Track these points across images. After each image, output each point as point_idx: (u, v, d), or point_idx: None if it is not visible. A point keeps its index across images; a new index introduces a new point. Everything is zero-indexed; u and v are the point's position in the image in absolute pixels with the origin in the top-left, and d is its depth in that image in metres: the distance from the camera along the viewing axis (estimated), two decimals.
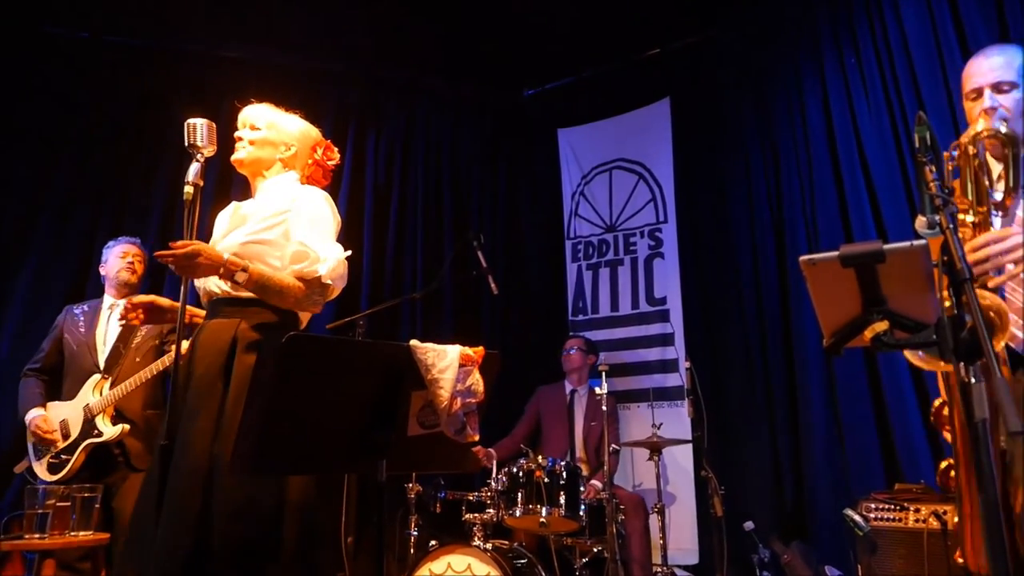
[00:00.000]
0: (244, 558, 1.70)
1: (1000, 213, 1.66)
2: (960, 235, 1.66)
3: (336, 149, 2.26)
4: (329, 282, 1.91)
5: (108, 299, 3.22)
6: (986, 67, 1.82)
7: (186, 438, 1.79)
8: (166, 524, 1.70)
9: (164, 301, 2.13)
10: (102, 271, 3.28)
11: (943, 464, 1.83)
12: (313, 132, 2.22)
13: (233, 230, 2.02)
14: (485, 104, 5.52)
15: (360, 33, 4.73)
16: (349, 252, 2.00)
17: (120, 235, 3.41)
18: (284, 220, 1.97)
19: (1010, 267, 1.58)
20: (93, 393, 2.95)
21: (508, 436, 4.28)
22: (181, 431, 1.80)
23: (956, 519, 1.70)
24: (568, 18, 4.69)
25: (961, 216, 1.66)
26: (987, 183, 1.66)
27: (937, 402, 1.83)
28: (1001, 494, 1.62)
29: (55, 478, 2.86)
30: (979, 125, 1.70)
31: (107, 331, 3.11)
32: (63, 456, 2.89)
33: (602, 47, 5.07)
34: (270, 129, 2.13)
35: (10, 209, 4.21)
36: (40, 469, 2.92)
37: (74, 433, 2.91)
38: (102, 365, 3.03)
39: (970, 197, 1.67)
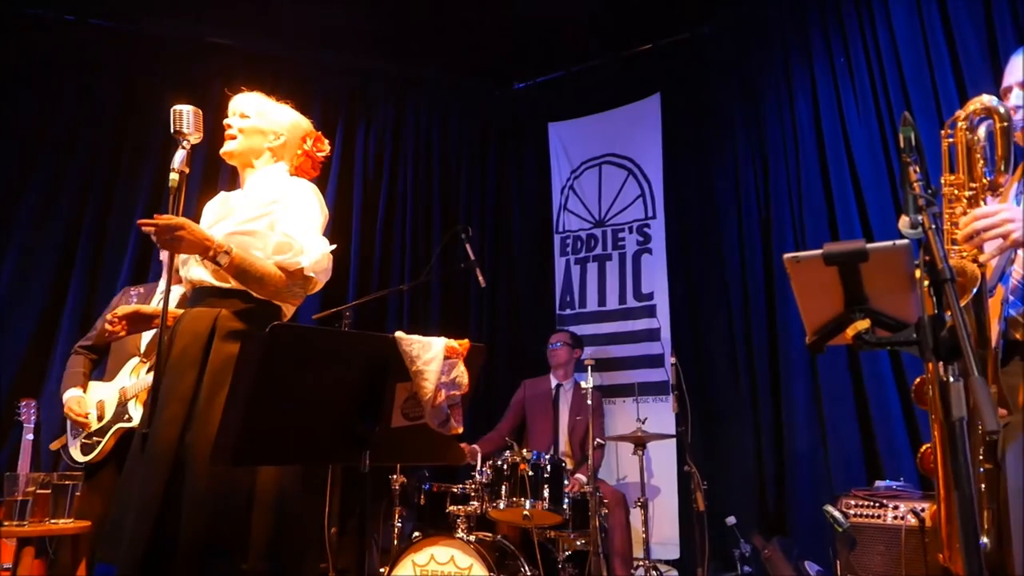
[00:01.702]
0: (210, 549, 1.68)
1: (992, 192, 1.68)
2: (955, 210, 1.68)
3: (326, 140, 2.24)
4: (311, 275, 1.90)
5: (163, 284, 3.15)
6: (1018, 65, 1.85)
7: (155, 425, 1.77)
8: (131, 512, 1.69)
9: (147, 309, 2.11)
10: (162, 257, 3.22)
11: (923, 447, 1.85)
12: (304, 122, 2.20)
13: (220, 220, 2.00)
14: (475, 97, 5.50)
15: (350, 23, 4.69)
16: (334, 246, 1.99)
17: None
18: (271, 211, 1.95)
19: (997, 243, 1.59)
20: (130, 376, 2.90)
21: (494, 430, 4.29)
22: (155, 420, 1.78)
23: (934, 515, 1.73)
24: (559, 12, 4.68)
25: (956, 193, 1.68)
26: (980, 160, 1.68)
27: (918, 379, 1.85)
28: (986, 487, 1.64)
29: (86, 459, 2.81)
30: (974, 102, 1.71)
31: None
32: (95, 438, 2.84)
33: (593, 42, 5.07)
34: (259, 117, 2.10)
35: None
36: (75, 450, 2.87)
37: (108, 415, 2.86)
38: (143, 349, 2.96)
39: (963, 175, 1.68)
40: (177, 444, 1.75)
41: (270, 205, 1.96)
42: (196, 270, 1.95)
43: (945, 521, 1.61)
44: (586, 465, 3.96)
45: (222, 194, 2.18)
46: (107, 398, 2.90)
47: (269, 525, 1.76)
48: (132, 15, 4.52)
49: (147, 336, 2.98)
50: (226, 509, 1.72)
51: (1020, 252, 1.67)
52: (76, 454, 2.87)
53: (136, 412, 2.85)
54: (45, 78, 4.36)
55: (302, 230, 1.92)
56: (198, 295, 1.96)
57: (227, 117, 2.12)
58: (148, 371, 2.89)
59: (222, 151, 2.09)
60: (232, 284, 1.90)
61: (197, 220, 2.12)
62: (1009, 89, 1.85)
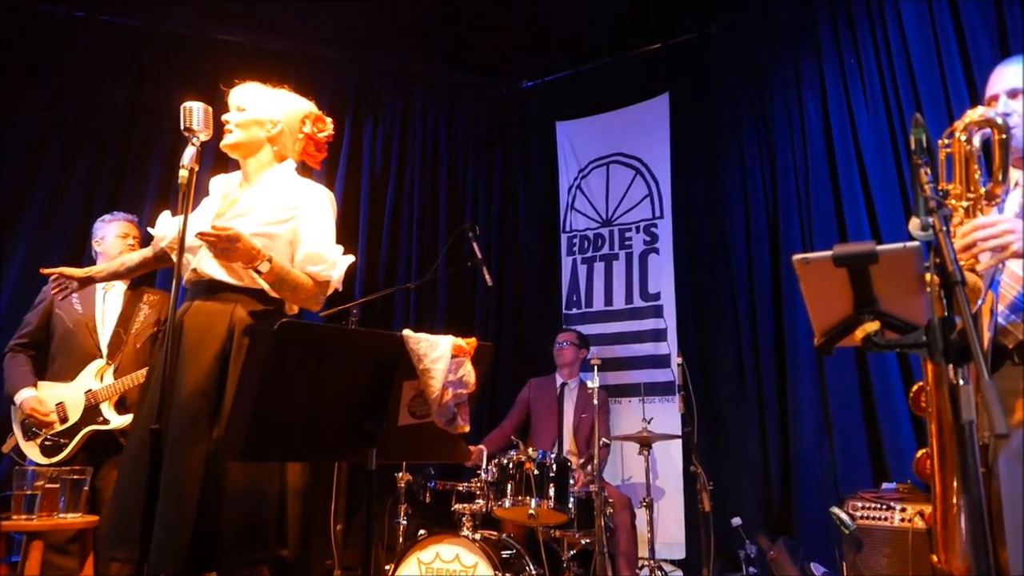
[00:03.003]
0: (252, 541, 1.72)
1: (989, 202, 1.68)
2: (952, 220, 1.68)
3: (328, 120, 2.21)
4: (338, 287, 2.01)
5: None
6: (1004, 74, 1.86)
7: (183, 423, 1.78)
8: (167, 510, 1.70)
9: (70, 270, 2.20)
10: (97, 248, 3.17)
11: (919, 453, 1.85)
12: (302, 105, 2.18)
13: (238, 217, 1.99)
14: (483, 95, 5.50)
15: (358, 20, 4.70)
16: (352, 258, 2.06)
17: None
18: (292, 218, 1.98)
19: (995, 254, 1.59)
20: (96, 378, 2.91)
21: (498, 428, 4.29)
22: (176, 416, 1.78)
23: (930, 518, 1.74)
24: (569, 10, 4.67)
25: (953, 203, 1.68)
26: (977, 170, 1.68)
27: (916, 387, 1.86)
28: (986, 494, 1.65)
29: (51, 461, 2.82)
30: (971, 113, 1.71)
31: (104, 312, 3.06)
32: (61, 440, 2.85)
33: (602, 41, 5.06)
34: (254, 108, 2.11)
35: (2, 189, 4.17)
36: (31, 450, 2.86)
37: (73, 417, 2.86)
38: (104, 350, 2.97)
39: (959, 185, 1.68)
40: (207, 440, 1.77)
41: (290, 211, 1.99)
42: (208, 264, 1.95)
43: (940, 525, 1.61)
44: (592, 464, 3.96)
45: (224, 180, 2.18)
46: (68, 400, 2.88)
47: (299, 513, 1.81)
48: (141, 11, 4.54)
49: (105, 335, 3.00)
50: (265, 500, 1.76)
51: (1014, 264, 1.66)
52: (35, 455, 2.84)
53: (112, 415, 2.86)
54: (54, 74, 4.37)
55: (329, 243, 2.00)
56: (206, 288, 1.96)
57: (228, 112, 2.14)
58: (116, 373, 2.90)
59: (221, 145, 2.11)
60: (245, 282, 1.93)
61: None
62: (995, 97, 1.86)
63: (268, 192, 2.06)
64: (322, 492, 3.47)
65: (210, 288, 1.95)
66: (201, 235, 1.81)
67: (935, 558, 1.68)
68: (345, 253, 2.07)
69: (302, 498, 1.83)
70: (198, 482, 1.73)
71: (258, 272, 1.86)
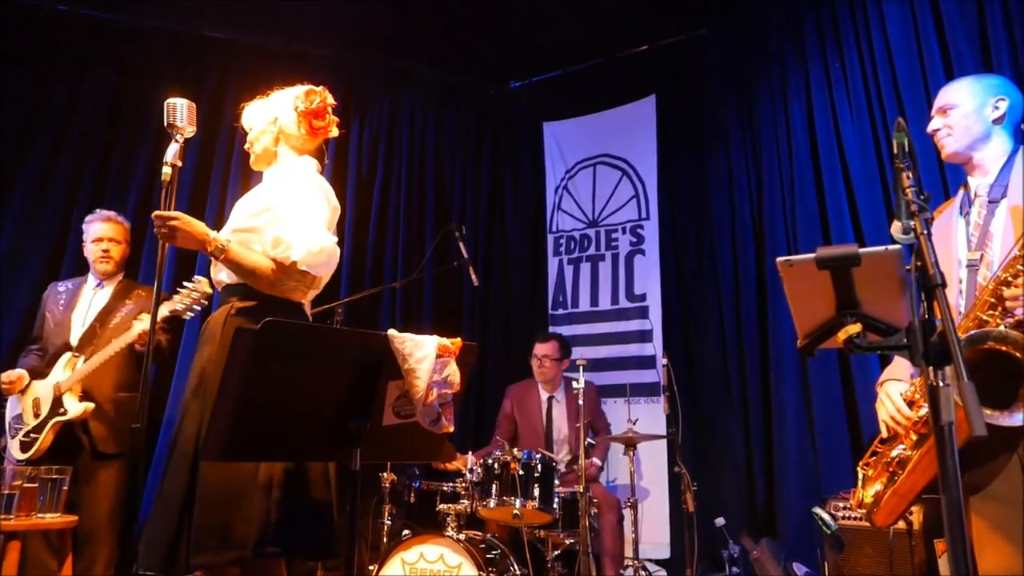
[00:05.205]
0: (219, 539, 1.71)
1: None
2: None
3: (320, 88, 2.15)
4: (304, 268, 1.88)
5: (92, 279, 3.17)
6: (940, 95, 2.01)
7: (180, 423, 1.85)
8: (157, 508, 1.77)
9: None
10: (85, 251, 3.21)
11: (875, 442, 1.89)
12: (289, 91, 2.16)
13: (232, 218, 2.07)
14: (471, 95, 5.49)
15: (346, 18, 4.68)
16: (334, 239, 1.97)
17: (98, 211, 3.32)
18: (272, 207, 1.97)
19: None
20: (66, 370, 2.91)
21: (491, 444, 4.13)
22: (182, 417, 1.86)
23: (878, 488, 1.78)
24: (557, 11, 4.67)
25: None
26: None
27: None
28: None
29: (24, 456, 2.82)
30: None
31: (87, 311, 3.06)
32: (32, 435, 2.85)
33: (590, 42, 5.07)
34: (256, 122, 2.16)
35: None
36: (13, 447, 2.87)
37: (44, 411, 2.87)
38: (74, 343, 2.98)
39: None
40: (196, 439, 1.79)
41: (272, 200, 1.98)
42: (217, 270, 2.01)
43: (895, 490, 1.75)
44: (597, 448, 4.02)
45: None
46: (42, 395, 2.90)
47: (261, 511, 1.76)
48: (125, 6, 4.49)
49: (76, 328, 3.02)
50: (232, 499, 1.73)
51: None
52: (16, 451, 2.86)
53: (71, 404, 2.85)
54: (37, 69, 4.32)
55: (298, 223, 1.91)
56: (223, 295, 2.02)
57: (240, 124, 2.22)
58: (85, 362, 2.89)
59: (251, 164, 2.21)
60: (234, 279, 1.96)
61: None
62: (931, 117, 2.01)
63: (260, 188, 2.09)
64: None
65: (224, 293, 2.01)
66: (153, 215, 1.86)
67: (855, 500, 1.84)
68: None
69: (280, 495, 1.78)
70: (185, 482, 1.75)
71: (215, 258, 1.89)
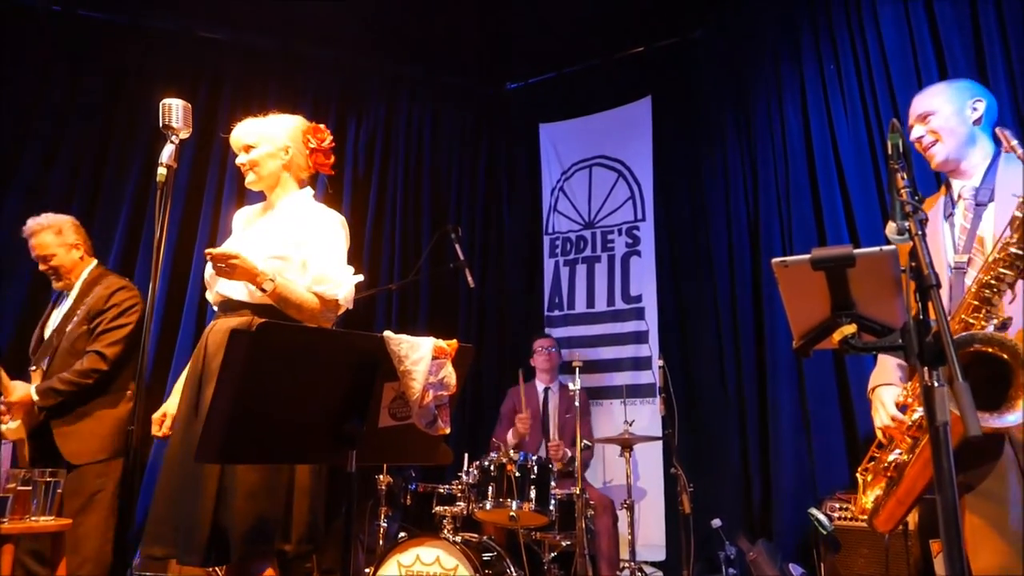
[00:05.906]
0: (259, 534, 1.82)
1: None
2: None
3: (324, 128, 2.27)
4: (344, 304, 2.06)
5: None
6: (915, 104, 2.04)
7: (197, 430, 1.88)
8: (190, 507, 1.83)
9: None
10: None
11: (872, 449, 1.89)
12: (299, 123, 2.25)
13: (246, 239, 2.10)
14: (467, 96, 5.50)
15: (342, 20, 4.67)
16: (360, 277, 2.12)
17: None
18: (305, 242, 2.06)
19: None
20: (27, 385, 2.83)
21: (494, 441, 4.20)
22: (201, 423, 1.85)
23: (877, 493, 1.79)
24: (553, 13, 4.68)
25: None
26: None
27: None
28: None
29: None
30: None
31: (57, 322, 2.95)
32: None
33: (586, 43, 5.08)
34: (263, 142, 2.17)
35: None
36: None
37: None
38: (32, 356, 2.91)
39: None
40: None
41: (302, 235, 2.07)
42: (225, 284, 2.03)
43: (894, 497, 1.76)
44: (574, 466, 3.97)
45: (246, 211, 2.29)
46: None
47: (305, 511, 1.90)
48: (121, 7, 4.48)
49: (42, 340, 2.94)
50: (272, 497, 1.86)
51: None
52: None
53: (9, 424, 2.74)
54: (32, 70, 4.31)
55: (337, 263, 2.07)
56: (226, 307, 2.07)
57: (235, 156, 2.21)
58: (43, 379, 2.79)
59: (247, 184, 2.20)
60: (256, 299, 2.00)
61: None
62: (911, 126, 2.03)
63: (284, 218, 2.14)
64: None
65: (228, 306, 2.05)
66: (207, 253, 1.93)
67: (858, 506, 1.85)
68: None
69: (309, 497, 1.92)
70: (216, 480, 1.84)
71: (262, 291, 1.95)
